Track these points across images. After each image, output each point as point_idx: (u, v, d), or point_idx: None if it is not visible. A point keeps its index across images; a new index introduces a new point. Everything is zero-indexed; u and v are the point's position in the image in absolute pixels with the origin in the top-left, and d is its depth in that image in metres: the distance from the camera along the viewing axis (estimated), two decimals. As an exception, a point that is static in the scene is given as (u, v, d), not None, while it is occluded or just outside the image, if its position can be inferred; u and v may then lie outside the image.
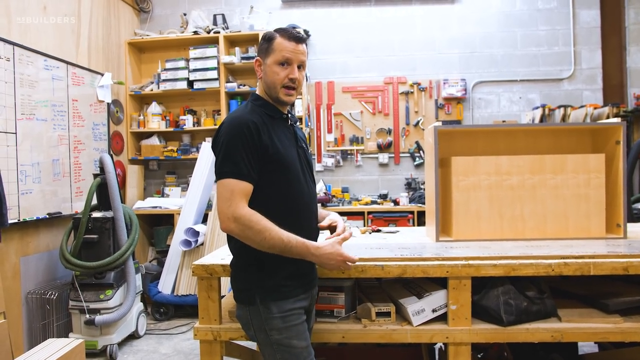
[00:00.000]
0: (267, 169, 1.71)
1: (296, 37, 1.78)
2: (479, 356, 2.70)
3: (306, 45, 1.82)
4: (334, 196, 5.47)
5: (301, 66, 1.81)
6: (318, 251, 1.71)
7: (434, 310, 2.01)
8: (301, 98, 5.38)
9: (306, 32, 5.60)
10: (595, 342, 2.96)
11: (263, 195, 1.72)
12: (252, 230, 1.64)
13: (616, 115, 4.79)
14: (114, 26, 5.30)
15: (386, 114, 5.70)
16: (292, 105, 5.37)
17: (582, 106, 5.05)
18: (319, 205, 5.07)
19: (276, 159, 1.72)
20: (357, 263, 1.88)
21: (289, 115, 1.91)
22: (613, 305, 2.07)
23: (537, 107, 5.34)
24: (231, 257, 1.87)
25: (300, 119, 5.38)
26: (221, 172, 1.69)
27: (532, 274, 1.96)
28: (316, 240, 1.86)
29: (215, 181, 1.73)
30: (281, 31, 1.79)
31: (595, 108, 4.90)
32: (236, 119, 1.73)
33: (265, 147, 1.70)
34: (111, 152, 5.12)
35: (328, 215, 2.01)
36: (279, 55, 1.76)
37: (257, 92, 1.87)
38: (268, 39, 1.80)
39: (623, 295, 2.13)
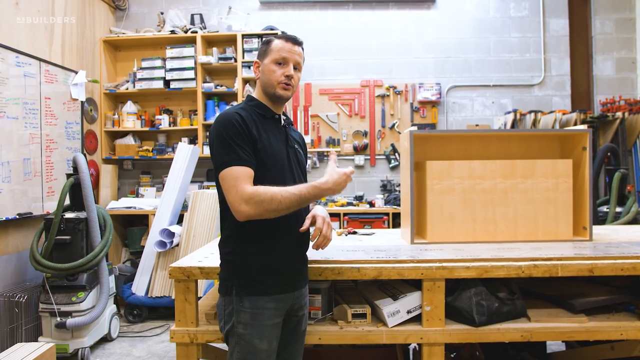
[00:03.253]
0: (255, 156, 1.75)
1: (293, 39, 1.86)
2: (452, 356, 2.76)
3: (303, 49, 1.89)
4: (310, 198, 5.48)
5: (297, 67, 1.87)
6: (326, 184, 1.76)
7: (408, 312, 2.05)
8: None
9: (283, 33, 5.61)
10: (562, 341, 3.06)
11: None
12: (264, 203, 1.66)
13: (583, 121, 4.95)
14: (89, 23, 5.22)
15: (362, 116, 5.76)
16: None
17: (551, 112, 5.20)
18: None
19: (263, 153, 1.75)
20: (333, 265, 1.90)
21: (284, 117, 1.95)
22: (579, 305, 2.15)
23: (509, 112, 5.46)
24: (208, 258, 1.89)
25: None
26: (221, 163, 1.71)
27: (503, 275, 2.03)
28: (304, 239, 1.89)
29: (216, 176, 1.75)
30: (280, 35, 1.89)
31: (563, 114, 5.05)
32: (225, 113, 1.77)
33: (254, 140, 1.75)
34: (84, 152, 5.04)
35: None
36: (276, 55, 1.83)
37: (253, 94, 1.93)
38: (267, 42, 1.88)
39: (588, 295, 2.22)
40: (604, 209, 4.21)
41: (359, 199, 5.52)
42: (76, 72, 4.85)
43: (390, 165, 5.72)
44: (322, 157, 5.77)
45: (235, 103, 5.42)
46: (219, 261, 1.87)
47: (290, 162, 1.87)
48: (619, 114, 4.93)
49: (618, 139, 4.91)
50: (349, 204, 5.44)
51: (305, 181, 1.97)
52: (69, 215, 3.79)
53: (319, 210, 1.89)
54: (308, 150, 5.66)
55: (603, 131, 5.09)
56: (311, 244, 1.88)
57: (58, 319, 3.59)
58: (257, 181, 1.74)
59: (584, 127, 2.61)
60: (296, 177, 1.88)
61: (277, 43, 1.85)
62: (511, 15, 5.75)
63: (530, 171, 2.50)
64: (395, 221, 5.14)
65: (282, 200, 1.66)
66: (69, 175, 3.83)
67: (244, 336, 1.75)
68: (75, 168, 3.82)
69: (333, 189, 1.76)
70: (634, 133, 4.95)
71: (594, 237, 2.54)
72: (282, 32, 5.55)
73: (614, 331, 2.05)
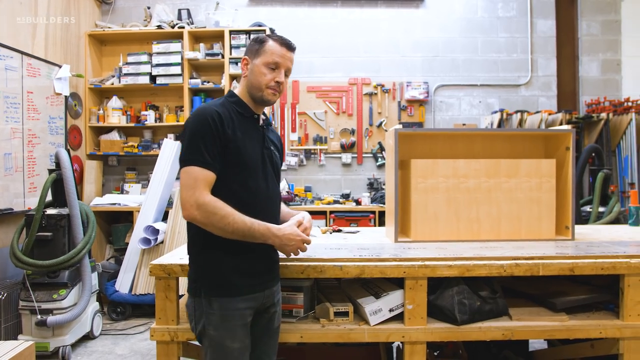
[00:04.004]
0: (227, 161, 1.72)
1: (288, 44, 1.84)
2: (435, 354, 2.77)
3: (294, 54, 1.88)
4: (296, 195, 5.48)
5: (287, 73, 1.85)
6: (280, 232, 1.74)
7: (391, 310, 2.05)
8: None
9: (272, 30, 5.58)
10: (544, 339, 3.08)
11: (220, 187, 1.72)
12: (215, 217, 1.64)
13: (568, 122, 4.99)
14: (74, 17, 5.14)
15: (350, 114, 5.75)
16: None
17: (537, 112, 5.23)
18: (287, 206, 5.10)
19: (236, 153, 1.73)
20: (316, 263, 1.89)
21: (264, 117, 1.92)
22: (560, 304, 2.16)
23: (495, 112, 5.49)
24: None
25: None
26: (185, 159, 1.69)
27: (485, 274, 2.03)
28: None
29: (180, 169, 1.72)
30: (274, 37, 1.84)
31: (549, 114, 5.09)
32: (202, 108, 1.74)
33: (228, 139, 1.71)
34: (68, 147, 4.98)
35: (296, 215, 1.99)
36: (269, 58, 1.80)
37: (234, 90, 1.89)
38: (260, 41, 1.84)
39: (569, 294, 2.23)
40: (587, 208, 4.24)
41: (346, 197, 5.52)
42: (60, 66, 4.78)
43: (377, 164, 5.73)
44: (310, 154, 5.76)
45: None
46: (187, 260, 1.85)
47: (264, 163, 1.84)
48: (603, 115, 4.98)
49: (602, 140, 4.96)
50: (336, 202, 5.43)
51: (278, 183, 1.97)
52: (50, 211, 3.74)
53: (307, 218, 1.92)
54: (295, 148, 5.69)
55: (588, 132, 5.14)
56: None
57: (39, 316, 3.54)
58: (228, 180, 1.72)
59: (567, 127, 2.62)
60: (269, 179, 1.85)
61: (271, 45, 1.81)
62: (499, 15, 5.78)
63: (514, 170, 2.51)
64: (382, 219, 5.15)
65: (231, 224, 1.65)
66: (51, 171, 3.78)
67: (215, 337, 1.73)
68: (58, 163, 3.76)
69: (282, 242, 1.76)
70: (617, 134, 5.00)
71: (576, 237, 2.56)
72: (272, 30, 5.53)
73: (593, 329, 2.06)
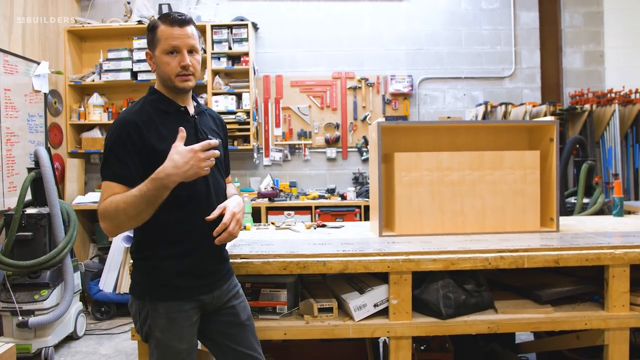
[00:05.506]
0: (156, 166, 1.54)
1: (179, 20, 1.66)
2: (422, 348, 2.76)
3: (195, 27, 1.71)
4: (281, 191, 5.44)
5: (193, 50, 1.69)
6: (164, 170, 1.50)
7: (375, 305, 2.03)
8: (249, 91, 5.31)
9: (254, 24, 5.53)
10: (531, 331, 3.09)
11: None
12: (112, 218, 1.54)
13: (552, 113, 5.00)
14: (52, 12, 5.03)
15: (334, 108, 5.71)
16: (237, 97, 5.28)
17: (522, 104, 5.24)
18: (266, 199, 5.04)
19: (163, 156, 1.55)
20: (299, 259, 1.84)
21: (194, 103, 1.82)
22: (545, 296, 2.16)
23: (480, 104, 5.49)
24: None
25: (248, 113, 5.30)
26: (102, 175, 1.63)
27: (470, 267, 2.02)
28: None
29: None
30: (163, 17, 1.67)
31: (534, 106, 5.10)
32: (118, 120, 1.66)
33: (150, 146, 1.61)
34: (49, 145, 4.89)
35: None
36: (165, 44, 1.65)
37: (155, 86, 1.77)
38: (151, 28, 1.69)
39: (554, 286, 2.23)
40: (572, 200, 4.26)
41: (331, 191, 5.49)
42: (38, 63, 4.68)
43: (362, 158, 5.70)
44: (294, 149, 5.72)
45: (205, 95, 5.32)
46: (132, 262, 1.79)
47: None
48: (587, 107, 5.00)
49: (586, 131, 4.98)
50: (321, 196, 5.40)
51: (224, 169, 1.88)
52: (30, 210, 3.67)
53: (231, 202, 1.71)
54: (280, 143, 5.65)
55: (572, 123, 5.16)
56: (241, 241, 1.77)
57: (20, 317, 3.47)
58: None
59: (551, 118, 2.61)
60: (208, 175, 1.65)
61: (162, 30, 1.65)
62: (482, 7, 5.77)
63: (499, 162, 2.50)
64: (368, 214, 5.11)
65: (127, 208, 1.51)
66: (30, 170, 3.70)
67: (162, 340, 1.68)
68: (37, 162, 3.68)
69: (175, 173, 1.50)
70: (601, 125, 5.03)
71: (561, 228, 2.55)
72: (254, 25, 5.49)
73: (578, 321, 2.06)
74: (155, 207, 1.54)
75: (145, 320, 1.70)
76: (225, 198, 1.82)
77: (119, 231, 1.59)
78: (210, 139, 1.61)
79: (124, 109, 5.31)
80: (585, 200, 4.01)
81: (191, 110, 1.79)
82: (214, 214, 1.65)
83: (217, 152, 1.59)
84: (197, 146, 1.53)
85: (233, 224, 1.65)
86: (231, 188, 1.96)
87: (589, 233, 2.47)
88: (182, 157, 1.51)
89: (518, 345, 2.97)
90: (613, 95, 5.05)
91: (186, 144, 1.57)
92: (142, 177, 1.55)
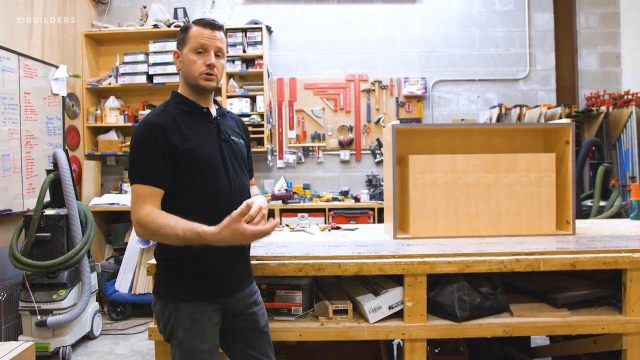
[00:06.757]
0: (182, 168, 1.67)
1: (212, 24, 1.75)
2: (436, 351, 2.75)
3: (225, 34, 1.79)
4: (295, 193, 5.46)
5: (219, 54, 1.76)
6: (214, 237, 1.51)
7: (390, 307, 2.03)
8: (263, 94, 5.35)
9: (268, 28, 5.57)
10: (546, 335, 3.06)
11: (180, 194, 1.69)
12: (149, 232, 1.60)
13: (568, 116, 4.96)
14: (70, 17, 5.11)
15: (347, 111, 5.73)
16: (252, 100, 5.32)
17: (536, 106, 5.21)
18: (280, 201, 5.07)
19: (189, 156, 1.67)
20: (314, 261, 1.85)
21: (216, 106, 1.87)
22: (561, 299, 2.14)
23: (494, 107, 5.47)
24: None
25: (262, 115, 5.34)
26: (130, 177, 1.67)
27: (485, 270, 2.01)
28: None
29: None
30: (197, 20, 1.77)
31: (548, 108, 5.06)
32: (143, 123, 1.69)
33: (175, 147, 1.66)
34: (66, 147, 4.96)
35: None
36: (195, 43, 1.72)
37: (178, 90, 1.82)
38: (184, 29, 1.77)
39: (571, 289, 2.21)
40: (588, 202, 4.22)
41: (345, 194, 5.50)
42: (57, 67, 4.76)
43: (376, 160, 5.71)
44: (308, 152, 5.74)
45: (219, 98, 5.36)
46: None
47: (224, 159, 1.76)
48: (603, 109, 4.95)
49: (602, 133, 4.93)
50: (334, 199, 5.41)
51: (246, 174, 1.88)
52: (49, 212, 3.73)
53: (257, 199, 1.70)
54: (293, 145, 5.67)
55: (588, 125, 5.11)
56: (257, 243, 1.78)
57: (38, 317, 3.53)
58: (188, 184, 1.68)
59: (566, 120, 2.60)
60: (231, 172, 1.76)
61: (194, 30, 1.73)
62: (496, 9, 5.75)
63: (513, 165, 2.49)
64: (381, 216, 5.10)
65: (165, 237, 1.57)
66: (49, 172, 3.77)
67: (185, 340, 1.71)
68: (56, 164, 3.75)
69: (218, 242, 1.53)
70: (618, 127, 4.98)
71: (577, 231, 2.53)
72: (268, 28, 5.52)
73: (595, 325, 2.04)
74: None
75: (169, 321, 1.73)
76: (248, 192, 1.88)
77: (151, 240, 1.66)
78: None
79: (140, 111, 5.40)
80: (602, 203, 3.97)
81: (213, 112, 1.84)
82: (241, 208, 1.58)
83: (263, 212, 1.66)
84: (248, 231, 1.51)
85: (259, 217, 1.64)
86: (255, 189, 2.01)
87: (605, 236, 2.45)
88: (232, 234, 1.51)
89: (533, 350, 2.95)
90: (630, 97, 4.99)
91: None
92: (170, 177, 1.65)
